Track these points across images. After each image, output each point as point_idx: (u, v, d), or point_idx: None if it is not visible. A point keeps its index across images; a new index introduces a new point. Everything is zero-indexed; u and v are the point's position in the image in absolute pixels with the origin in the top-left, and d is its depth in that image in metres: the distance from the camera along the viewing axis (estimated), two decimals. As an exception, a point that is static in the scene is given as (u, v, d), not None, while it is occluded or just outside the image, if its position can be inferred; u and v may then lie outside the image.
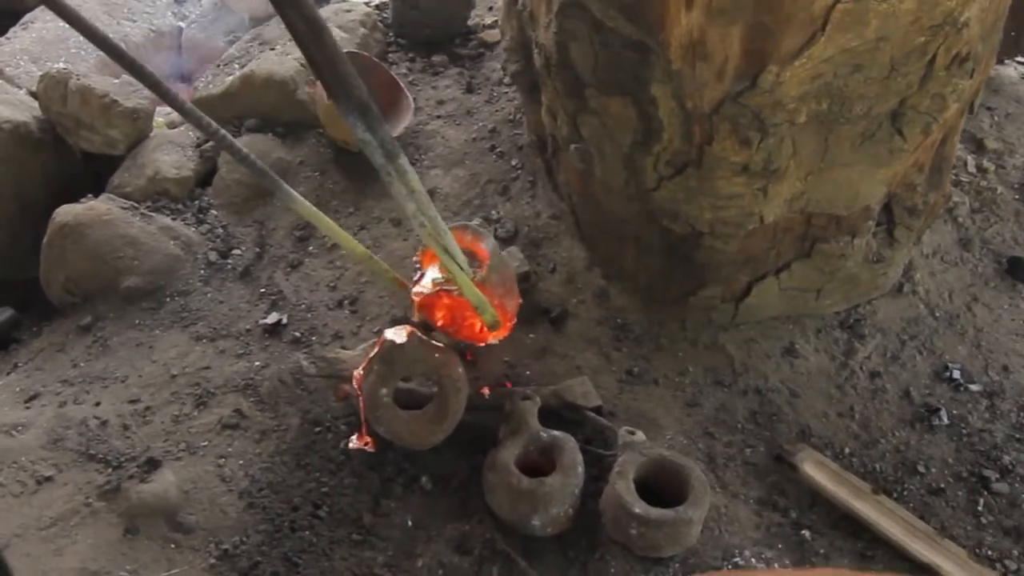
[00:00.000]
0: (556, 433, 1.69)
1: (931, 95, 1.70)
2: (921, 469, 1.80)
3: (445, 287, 1.70)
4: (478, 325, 1.75)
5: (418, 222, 1.46)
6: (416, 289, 1.74)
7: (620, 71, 1.71)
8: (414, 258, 1.77)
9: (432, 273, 1.76)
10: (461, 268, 1.56)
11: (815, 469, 1.74)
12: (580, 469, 1.65)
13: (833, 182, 1.78)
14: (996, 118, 2.51)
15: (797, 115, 1.65)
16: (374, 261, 1.70)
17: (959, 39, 1.64)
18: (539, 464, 1.66)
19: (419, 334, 1.71)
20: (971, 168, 2.35)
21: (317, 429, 1.80)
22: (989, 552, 1.68)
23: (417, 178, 1.42)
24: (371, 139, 1.32)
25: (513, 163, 2.21)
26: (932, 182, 1.95)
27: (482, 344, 1.78)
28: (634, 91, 1.70)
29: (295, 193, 1.52)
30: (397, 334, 1.71)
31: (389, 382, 1.70)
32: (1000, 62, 2.70)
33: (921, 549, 1.64)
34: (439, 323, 1.76)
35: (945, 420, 1.87)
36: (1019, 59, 2.70)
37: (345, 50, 2.23)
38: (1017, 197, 2.29)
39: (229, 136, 1.41)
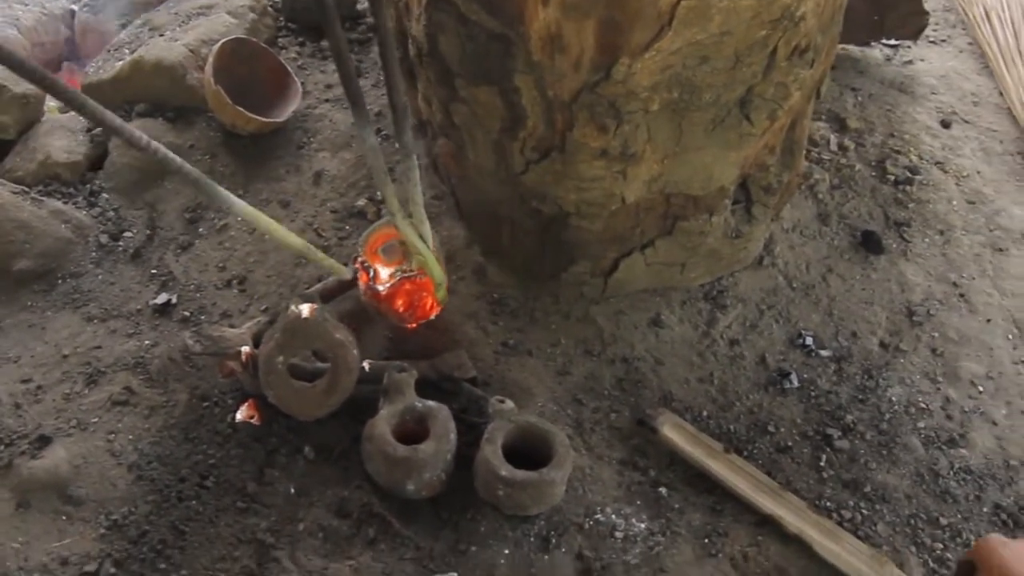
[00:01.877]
0: (430, 403, 1.80)
1: (775, 84, 1.83)
2: (771, 429, 1.95)
3: (406, 275, 1.84)
4: (429, 303, 1.90)
5: (403, 212, 1.72)
6: (378, 286, 1.85)
7: (486, 62, 1.80)
8: (359, 258, 1.87)
9: (384, 269, 1.87)
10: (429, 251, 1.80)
11: (673, 431, 1.87)
12: (452, 436, 1.76)
13: (688, 164, 1.91)
14: (860, 98, 2.67)
15: (650, 103, 1.77)
16: (312, 252, 1.79)
17: (797, 32, 1.77)
18: (415, 432, 1.77)
19: (325, 311, 1.82)
20: (833, 147, 2.51)
21: (205, 404, 1.88)
22: (828, 503, 1.83)
23: (418, 178, 1.70)
24: (375, 143, 1.59)
25: (397, 146, 2.30)
26: (785, 163, 2.09)
27: (428, 318, 1.93)
28: (499, 81, 1.80)
29: (233, 196, 1.61)
30: (302, 308, 1.80)
31: (287, 351, 1.79)
32: (867, 44, 2.86)
33: (766, 502, 1.79)
34: (400, 308, 1.88)
35: (795, 383, 2.02)
36: (884, 42, 2.87)
37: (233, 36, 2.32)
38: (874, 174, 2.45)
39: (159, 147, 1.45)
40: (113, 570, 1.66)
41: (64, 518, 1.73)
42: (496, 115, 1.87)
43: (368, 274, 1.86)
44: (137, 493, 1.76)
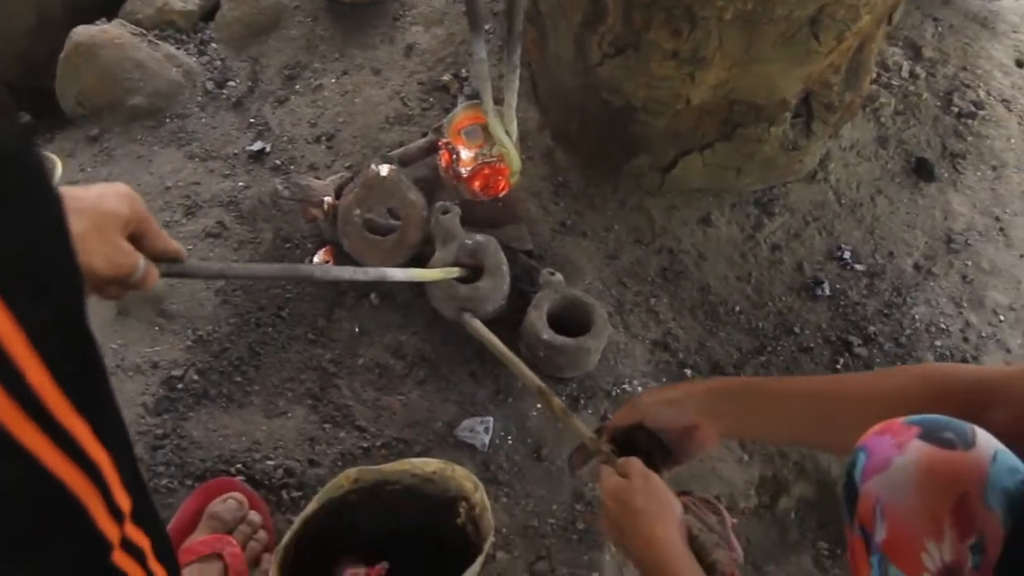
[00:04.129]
0: (478, 237, 1.95)
1: (846, 6, 1.92)
2: (797, 330, 2.10)
3: (487, 161, 2.00)
4: (502, 184, 2.06)
5: (495, 112, 1.88)
6: (460, 169, 2.01)
7: (575, -44, 1.93)
8: (444, 139, 2.03)
9: (465, 152, 2.03)
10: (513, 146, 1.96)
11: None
12: (504, 267, 1.94)
13: (754, 74, 2.02)
14: (940, 29, 2.72)
15: (724, 12, 1.88)
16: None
17: (873, -43, 1.86)
18: (470, 267, 1.94)
19: (401, 174, 2.00)
20: (904, 73, 2.58)
21: (287, 245, 2.09)
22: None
23: (516, 88, 1.86)
24: (483, 56, 1.77)
25: (487, 27, 2.44)
26: (849, 83, 2.19)
27: (498, 196, 2.09)
28: (586, -25, 1.93)
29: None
30: (381, 168, 1.99)
31: (363, 205, 1.99)
32: (958, -25, 2.88)
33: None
34: (476, 188, 2.05)
35: (827, 291, 2.16)
36: (975, -26, 2.89)
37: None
38: (939, 104, 2.53)
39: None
40: (196, 377, 1.90)
41: (156, 328, 1.97)
42: (579, 8, 2.00)
43: (451, 155, 2.01)
44: (222, 315, 1.99)
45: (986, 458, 1.07)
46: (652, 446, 1.42)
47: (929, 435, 1.08)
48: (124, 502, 0.81)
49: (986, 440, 1.09)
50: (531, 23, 2.20)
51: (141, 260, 1.07)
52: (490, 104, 1.84)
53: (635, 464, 1.35)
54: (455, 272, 1.92)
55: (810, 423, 1.32)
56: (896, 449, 1.08)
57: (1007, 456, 1.08)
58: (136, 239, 1.08)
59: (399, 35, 2.48)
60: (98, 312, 1.97)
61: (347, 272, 1.72)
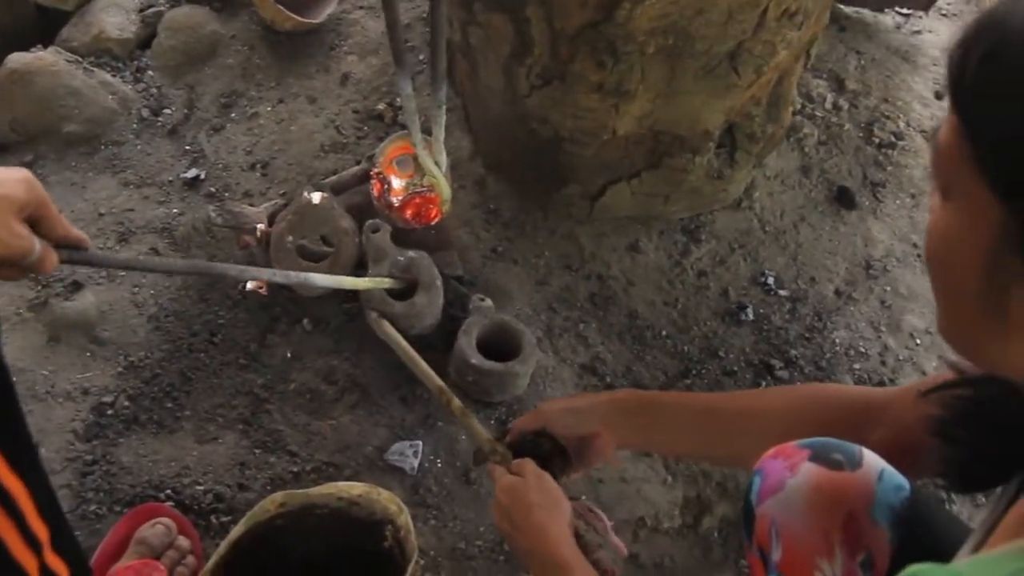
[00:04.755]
0: (410, 253, 1.99)
1: (763, 41, 2.00)
2: (721, 354, 2.16)
3: (418, 191, 2.04)
4: (433, 212, 2.09)
5: (423, 144, 1.90)
6: (391, 198, 2.04)
7: (502, -8, 1.99)
8: (375, 169, 2.06)
9: (396, 181, 2.07)
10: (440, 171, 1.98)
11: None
12: (439, 283, 1.98)
13: (677, 106, 2.09)
14: (863, 62, 2.82)
15: (646, 47, 1.94)
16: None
17: (788, -4, 1.94)
18: (402, 279, 1.97)
19: (334, 201, 2.04)
20: (828, 104, 2.67)
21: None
22: (760, 424, 2.05)
23: (443, 123, 1.86)
24: (411, 92, 1.77)
25: (421, 57, 2.49)
26: (770, 115, 2.26)
27: (429, 224, 2.12)
28: (513, 10, 1.98)
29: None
30: (313, 196, 2.02)
31: (296, 232, 2.02)
32: (880, 10, 2.99)
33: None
34: (408, 216, 2.08)
35: (751, 316, 2.23)
36: (897, 9, 2.99)
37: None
38: (861, 135, 2.62)
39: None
40: (127, 403, 1.92)
41: (88, 355, 1.99)
42: (507, 41, 2.05)
43: (383, 184, 2.05)
44: (154, 341, 2.00)
45: (872, 477, 1.13)
46: (554, 452, 1.49)
47: (818, 457, 1.13)
48: (41, 531, 0.83)
49: (873, 460, 1.14)
50: (462, 55, 2.25)
51: (37, 243, 1.11)
52: (418, 137, 1.88)
53: (528, 464, 1.42)
54: (386, 283, 1.95)
55: (706, 436, 1.38)
56: (788, 471, 1.13)
57: (893, 475, 1.14)
58: (35, 223, 1.12)
59: (335, 64, 2.52)
60: (28, 339, 1.98)
61: (266, 273, 1.74)
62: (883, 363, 2.19)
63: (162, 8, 2.56)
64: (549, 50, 2.01)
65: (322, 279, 1.81)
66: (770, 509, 1.12)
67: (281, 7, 2.42)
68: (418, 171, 2.06)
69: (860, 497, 1.10)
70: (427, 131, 1.93)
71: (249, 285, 2.06)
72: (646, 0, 1.85)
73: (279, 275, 1.76)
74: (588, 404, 1.46)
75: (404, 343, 1.86)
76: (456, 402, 1.66)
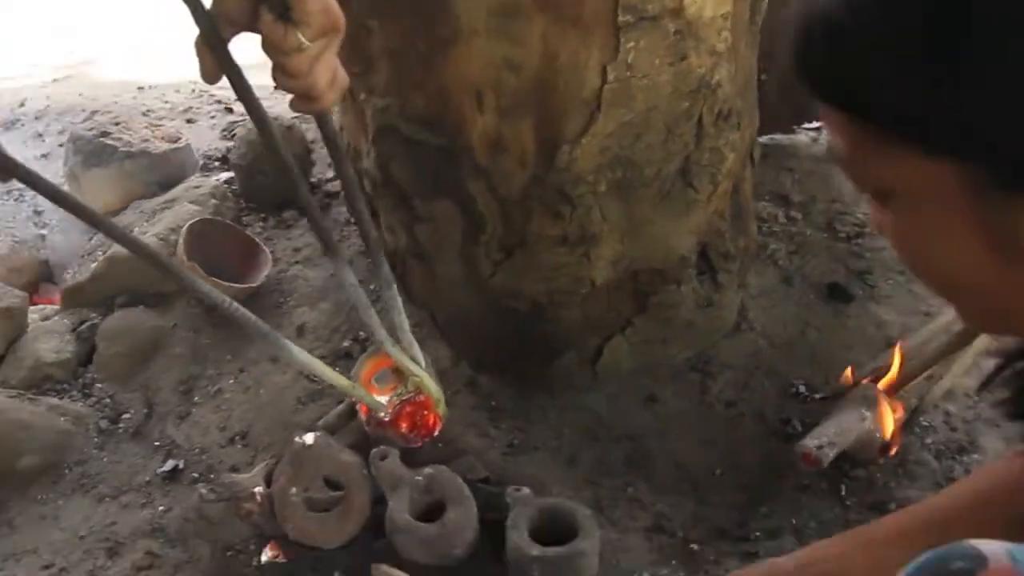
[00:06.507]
0: (427, 470, 1.79)
1: (708, 149, 1.97)
2: (786, 472, 1.97)
3: (405, 398, 1.86)
4: (432, 419, 1.91)
5: (391, 340, 1.71)
6: (381, 415, 1.87)
7: (437, 176, 1.94)
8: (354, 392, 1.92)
9: (381, 397, 1.90)
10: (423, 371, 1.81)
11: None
12: (467, 492, 1.76)
13: (646, 238, 2.01)
14: (797, 176, 2.83)
15: (597, 185, 1.89)
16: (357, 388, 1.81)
17: (717, 99, 1.93)
18: (429, 504, 1.76)
19: (329, 438, 1.85)
20: (782, 219, 2.64)
21: (228, 553, 1.89)
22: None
23: (401, 305, 1.70)
24: (354, 280, 1.60)
25: (371, 287, 2.40)
26: (737, 227, 2.20)
27: (432, 434, 1.93)
28: (453, 191, 1.93)
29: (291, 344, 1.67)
30: (307, 437, 1.84)
31: (298, 482, 1.81)
32: (791, 131, 3.06)
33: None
34: (406, 430, 1.90)
35: (799, 427, 2.05)
36: (806, 126, 3.06)
37: (198, 219, 2.45)
38: (825, 235, 2.58)
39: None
40: None
41: None
42: (457, 225, 1.98)
43: (367, 407, 1.90)
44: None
45: (1006, 563, 0.96)
46: None
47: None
48: None
49: (990, 547, 0.98)
50: (414, 258, 2.17)
51: None
52: (383, 333, 1.72)
53: None
54: (381, 406, 1.80)
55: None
56: None
57: (1020, 549, 0.97)
58: None
59: (286, 319, 2.41)
60: None
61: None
62: (953, 429, 2.02)
63: (95, 320, 2.48)
64: (502, 220, 1.94)
65: (299, 353, 1.62)
66: None
67: (216, 279, 2.33)
68: (400, 380, 1.91)
69: None
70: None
71: (264, 557, 1.83)
72: (583, 139, 1.82)
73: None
74: None
75: None
76: None
